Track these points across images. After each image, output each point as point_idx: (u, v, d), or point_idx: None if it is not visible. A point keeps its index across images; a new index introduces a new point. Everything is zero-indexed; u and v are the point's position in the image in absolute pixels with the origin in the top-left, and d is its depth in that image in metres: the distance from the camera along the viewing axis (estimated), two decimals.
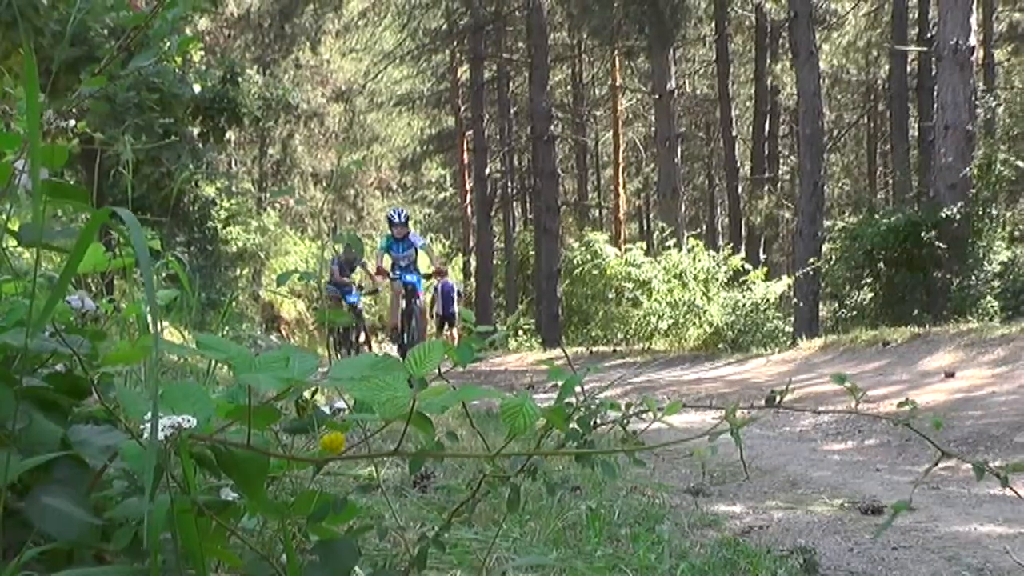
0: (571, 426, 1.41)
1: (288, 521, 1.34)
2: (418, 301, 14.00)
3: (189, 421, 1.19)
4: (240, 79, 13.26)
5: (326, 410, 1.48)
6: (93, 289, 2.38)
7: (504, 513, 3.50)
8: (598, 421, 1.44)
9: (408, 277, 13.86)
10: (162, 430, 1.16)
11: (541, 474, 1.45)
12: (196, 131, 13.34)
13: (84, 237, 1.21)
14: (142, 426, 1.22)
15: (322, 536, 1.42)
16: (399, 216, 14.08)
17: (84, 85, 2.15)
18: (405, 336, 13.82)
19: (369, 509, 3.39)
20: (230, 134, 19.92)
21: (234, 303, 17.06)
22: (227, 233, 19.77)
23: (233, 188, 25.29)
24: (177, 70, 11.22)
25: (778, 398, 1.42)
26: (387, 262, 14.17)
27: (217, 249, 18.72)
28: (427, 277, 14.61)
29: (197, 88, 12.06)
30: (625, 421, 1.49)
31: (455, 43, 35.60)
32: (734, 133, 31.42)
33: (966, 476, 5.26)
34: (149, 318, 1.60)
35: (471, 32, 33.11)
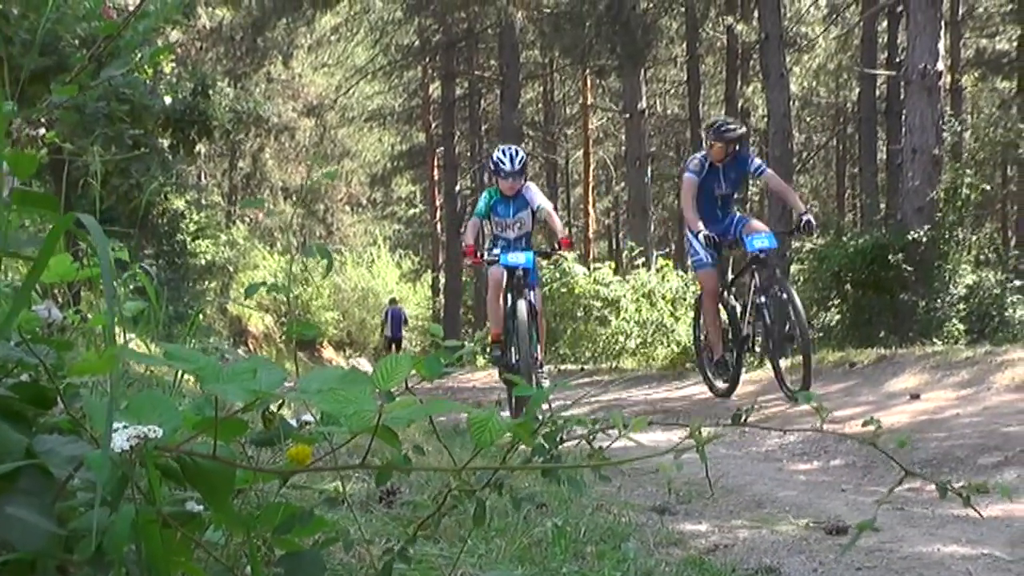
0: (537, 441, 1.41)
1: (254, 534, 1.33)
2: (533, 295, 9.32)
3: (155, 432, 1.18)
4: (211, 92, 13.16)
5: (293, 423, 1.48)
6: (60, 300, 2.37)
7: (470, 529, 3.50)
8: (564, 437, 1.44)
9: (514, 257, 9.12)
10: (126, 440, 1.16)
11: (507, 490, 1.45)
12: (166, 143, 13.26)
13: (48, 245, 1.20)
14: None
15: (288, 549, 1.41)
16: (513, 159, 9.35)
17: (54, 95, 2.14)
18: (513, 351, 9.28)
19: (335, 524, 3.38)
20: (200, 147, 19.86)
21: (202, 316, 16.95)
22: (196, 246, 19.69)
23: (203, 201, 25.20)
24: (148, 81, 11.16)
25: (743, 417, 1.43)
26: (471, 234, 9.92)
27: (185, 262, 18.65)
28: (546, 255, 10.37)
29: (168, 100, 11.99)
30: (591, 437, 1.49)
31: (427, 60, 35.68)
32: None
33: (931, 497, 5.28)
34: (115, 327, 1.59)
35: (443, 49, 33.20)
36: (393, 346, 32.28)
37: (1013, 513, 4.85)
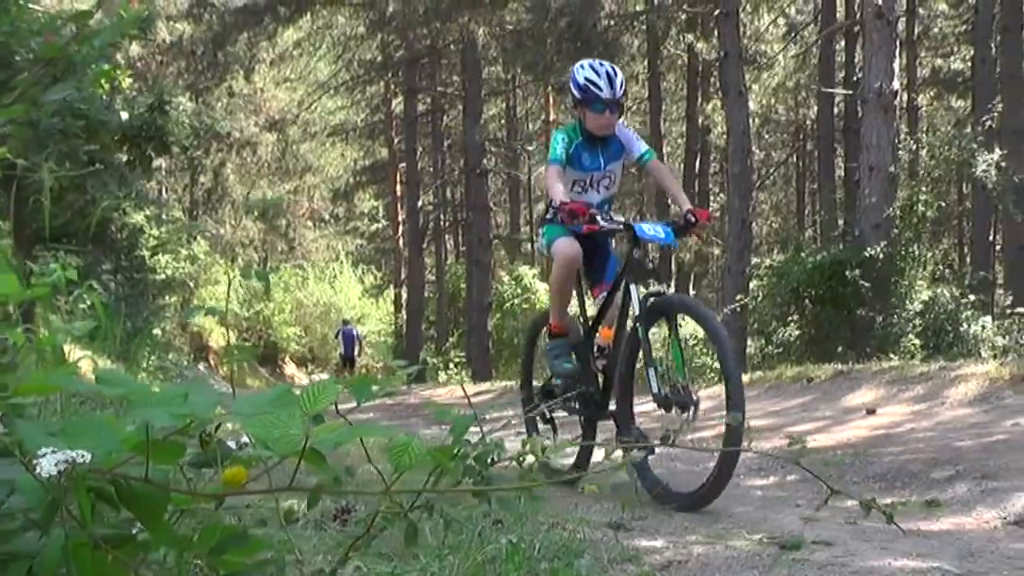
0: (468, 463, 1.42)
1: (189, 555, 1.34)
2: (633, 293, 5.99)
3: (83, 456, 1.18)
4: (169, 107, 13.06)
5: (232, 444, 1.48)
6: (13, 317, 2.36)
7: (423, 547, 3.50)
8: (495, 458, 1.45)
9: (651, 228, 5.93)
10: (55, 465, 1.16)
11: (438, 511, 1.47)
12: (124, 159, 13.15)
13: None
14: (35, 461, 1.21)
15: (227, 569, 1.42)
16: (612, 79, 6.09)
17: (2, 114, 2.14)
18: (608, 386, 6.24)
19: (286, 543, 3.38)
20: (161, 162, 19.76)
21: (161, 332, 16.85)
22: (155, 262, 19.58)
23: (163, 216, 25.06)
24: (104, 97, 11.06)
25: (672, 439, 1.45)
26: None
27: (145, 278, 18.52)
28: (684, 230, 6.03)
29: (125, 115, 11.88)
30: (521, 458, 1.51)
31: (390, 75, 35.70)
32: None
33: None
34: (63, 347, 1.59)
35: (406, 65, 33.22)
36: (348, 364, 33.15)
37: (964, 527, 4.91)
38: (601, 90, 6.06)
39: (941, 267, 19.05)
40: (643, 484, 5.80)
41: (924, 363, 11.43)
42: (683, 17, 28.36)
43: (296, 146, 43.08)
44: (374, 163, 41.84)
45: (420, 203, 35.87)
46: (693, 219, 6.02)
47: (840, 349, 16.22)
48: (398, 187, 37.46)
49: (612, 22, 27.17)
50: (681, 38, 28.64)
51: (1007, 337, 16.80)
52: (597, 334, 6.46)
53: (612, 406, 6.20)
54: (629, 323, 5.97)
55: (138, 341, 13.83)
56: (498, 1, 25.77)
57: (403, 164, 36.12)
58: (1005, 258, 23.73)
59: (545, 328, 6.83)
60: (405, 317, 36.29)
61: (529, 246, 41.56)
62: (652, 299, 5.82)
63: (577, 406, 6.55)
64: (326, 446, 1.24)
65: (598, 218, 5.82)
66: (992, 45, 23.63)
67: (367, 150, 42.54)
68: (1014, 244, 22.68)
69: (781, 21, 32.73)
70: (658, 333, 6.18)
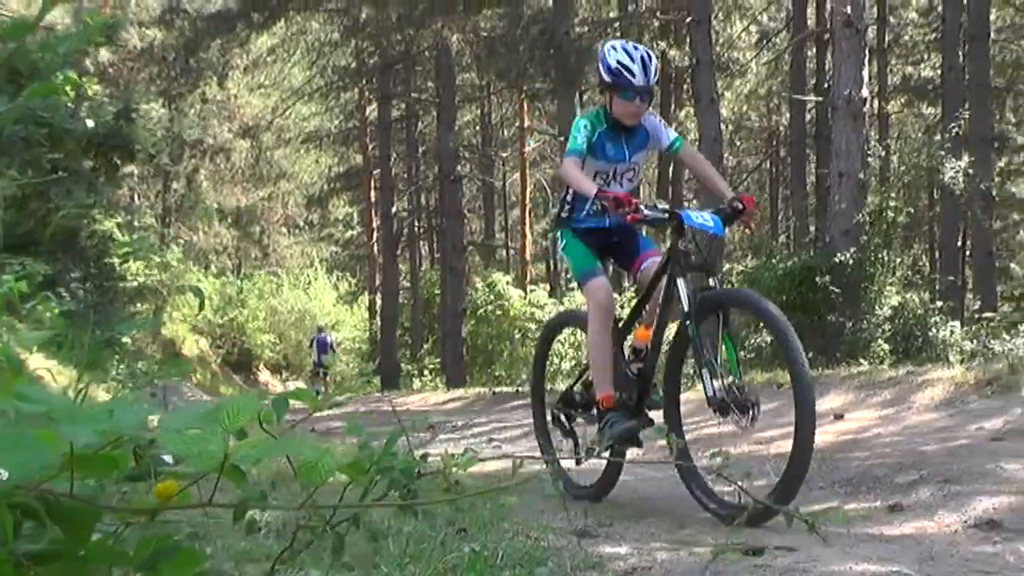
0: (395, 476, 1.43)
1: (125, 571, 1.34)
2: (681, 288, 5.41)
3: (2, 473, 1.18)
4: (136, 115, 12.94)
5: (167, 458, 1.49)
6: None
7: (383, 556, 3.51)
8: (422, 471, 1.46)
9: (700, 217, 5.52)
10: None
11: (365, 522, 1.48)
12: (89, 166, 13.05)
13: None
14: None
15: None
16: (647, 64, 5.59)
17: None
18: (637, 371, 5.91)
19: (248, 552, 3.38)
20: (133, 168, 19.66)
21: (130, 340, 16.72)
22: (126, 269, 19.44)
23: (135, 223, 24.95)
24: (69, 104, 10.96)
25: (583, 456, 1.45)
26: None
27: (115, 285, 18.40)
28: (729, 217, 5.61)
29: (91, 123, 11.78)
30: (448, 471, 1.52)
31: (364, 81, 35.65)
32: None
33: (849, 517, 5.38)
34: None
35: (380, 71, 33.19)
36: (321, 371, 33.68)
37: (926, 531, 4.94)
38: (634, 76, 5.57)
39: (910, 273, 19.16)
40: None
41: (892, 368, 11.51)
42: (656, 24, 28.49)
43: (270, 152, 42.97)
44: (348, 169, 41.75)
45: (394, 209, 35.84)
46: (740, 206, 5.63)
47: (810, 355, 16.24)
48: (372, 193, 37.41)
49: (586, 29, 27.21)
50: (653, 45, 28.73)
51: (975, 342, 16.92)
52: (631, 335, 6.09)
53: (656, 412, 5.88)
54: (677, 320, 5.59)
55: (106, 349, 13.73)
56: (472, 8, 25.78)
57: (377, 170, 36.08)
58: (974, 264, 23.93)
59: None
60: (379, 323, 36.25)
61: (504, 252, 41.59)
62: (702, 293, 5.43)
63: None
64: (247, 462, 1.24)
65: (643, 207, 5.38)
66: (960, 53, 23.82)
67: (341, 156, 42.46)
68: (982, 250, 22.89)
69: (753, 28, 32.88)
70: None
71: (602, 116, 5.77)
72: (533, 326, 18.86)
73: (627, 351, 6.06)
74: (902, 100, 34.37)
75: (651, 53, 5.77)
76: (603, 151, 5.77)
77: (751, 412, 5.25)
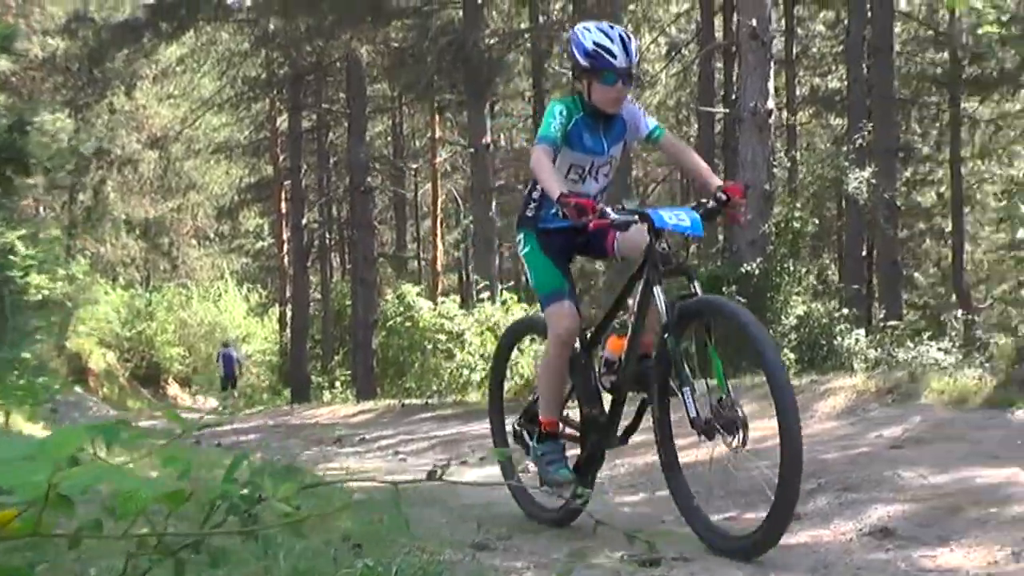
0: (234, 502, 1.41)
1: None
2: (658, 296, 4.96)
3: None
4: (30, 127, 12.61)
5: None
6: None
7: (274, 573, 3.47)
8: (262, 496, 1.44)
9: (674, 217, 4.90)
10: None
11: (206, 547, 1.45)
12: None
13: None
14: None
15: None
16: (627, 44, 5.08)
17: None
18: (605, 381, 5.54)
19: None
20: (34, 180, 19.27)
21: (33, 355, 16.34)
22: (28, 282, 19.00)
23: (39, 235, 24.45)
24: None
25: (439, 473, 1.45)
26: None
27: (17, 299, 17.99)
28: (713, 214, 5.14)
29: None
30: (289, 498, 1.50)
31: (275, 92, 35.39)
32: None
33: (745, 526, 5.43)
34: None
35: (290, 82, 32.97)
36: (229, 385, 34.16)
37: (821, 539, 5.01)
38: (615, 57, 5.04)
39: (816, 282, 19.45)
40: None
41: (796, 377, 11.64)
42: (565, 36, 28.60)
43: (179, 163, 42.45)
44: (259, 180, 41.36)
45: (305, 221, 35.64)
46: (724, 198, 5.05)
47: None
48: (283, 205, 37.18)
49: (496, 40, 27.27)
50: (564, 56, 28.88)
51: (879, 350, 17.21)
52: (602, 345, 5.58)
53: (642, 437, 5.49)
54: (654, 332, 5.12)
55: (14, 364, 13.43)
56: (380, 19, 25.68)
57: (288, 181, 35.85)
58: (879, 273, 24.36)
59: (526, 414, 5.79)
60: (289, 336, 36.02)
61: (416, 264, 41.48)
62: (682, 302, 4.91)
63: (573, 432, 5.67)
64: (74, 492, 1.21)
65: (609, 211, 4.85)
66: (864, 66, 24.26)
67: (252, 167, 42.08)
68: (887, 259, 23.32)
69: (662, 40, 33.17)
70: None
71: (579, 103, 5.25)
72: (443, 337, 18.81)
73: (599, 363, 5.58)
74: (810, 111, 34.86)
75: (628, 32, 5.28)
76: (580, 142, 5.24)
77: (741, 432, 4.80)
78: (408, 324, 19.45)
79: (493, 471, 8.52)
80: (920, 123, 33.40)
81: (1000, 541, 4.63)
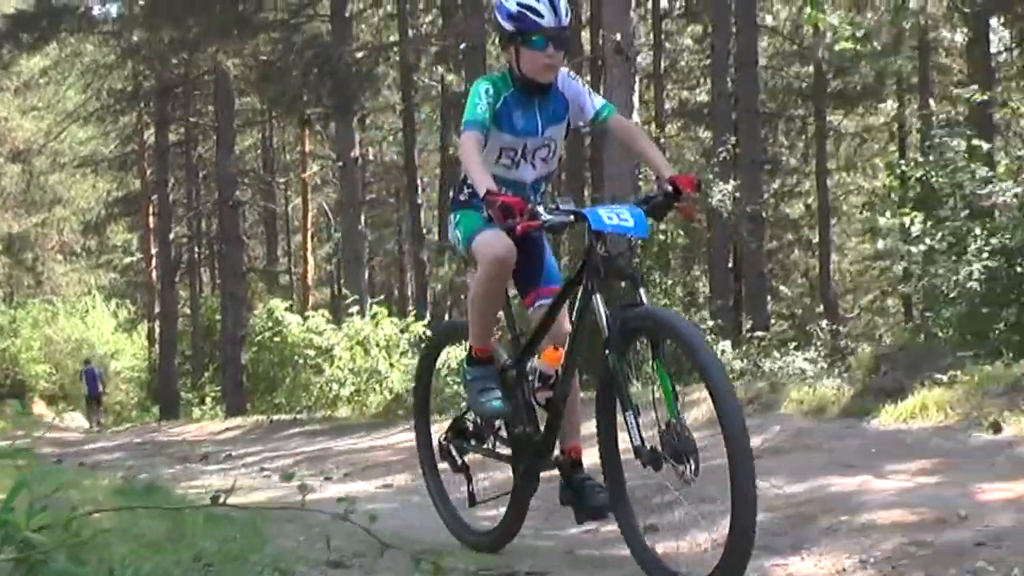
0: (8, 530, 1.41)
1: None
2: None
3: None
4: None
5: None
6: None
7: None
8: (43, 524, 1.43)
9: (614, 216, 4.20)
10: None
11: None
12: None
13: None
14: None
15: None
16: (552, 4, 4.43)
17: None
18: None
19: None
20: None
21: None
22: None
23: None
24: None
25: (223, 497, 1.47)
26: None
27: None
28: (660, 208, 4.50)
29: None
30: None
31: (141, 105, 34.79)
32: (420, 200, 31.77)
33: (603, 539, 5.51)
34: None
35: (157, 95, 32.39)
36: (94, 402, 33.91)
37: (678, 550, 5.10)
38: (542, 17, 4.45)
39: (684, 295, 19.70)
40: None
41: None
42: (433, 50, 28.65)
43: (44, 177, 41.56)
44: (127, 194, 40.61)
45: (173, 235, 35.11)
46: (673, 191, 4.42)
47: (584, 377, 16.52)
48: (151, 219, 36.54)
49: (364, 53, 27.17)
50: (433, 70, 28.91)
51: (745, 360, 17.47)
52: (536, 356, 4.88)
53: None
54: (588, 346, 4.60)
55: None
56: (246, 32, 25.37)
57: (156, 196, 35.25)
58: (746, 284, 24.76)
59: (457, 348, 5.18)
60: (158, 352, 35.42)
61: (287, 278, 41.04)
62: (625, 314, 4.26)
63: (505, 451, 5.13)
64: None
65: (540, 212, 4.25)
66: (729, 80, 24.71)
67: (119, 181, 41.28)
68: (753, 271, 23.76)
69: None
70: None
71: (508, 78, 4.67)
72: (312, 352, 18.66)
73: (533, 377, 4.92)
74: (679, 124, 35.35)
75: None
76: (510, 122, 4.63)
77: (691, 461, 4.20)
78: (277, 339, 19.26)
79: (355, 487, 8.52)
80: (787, 136, 34.10)
81: (849, 549, 4.76)
